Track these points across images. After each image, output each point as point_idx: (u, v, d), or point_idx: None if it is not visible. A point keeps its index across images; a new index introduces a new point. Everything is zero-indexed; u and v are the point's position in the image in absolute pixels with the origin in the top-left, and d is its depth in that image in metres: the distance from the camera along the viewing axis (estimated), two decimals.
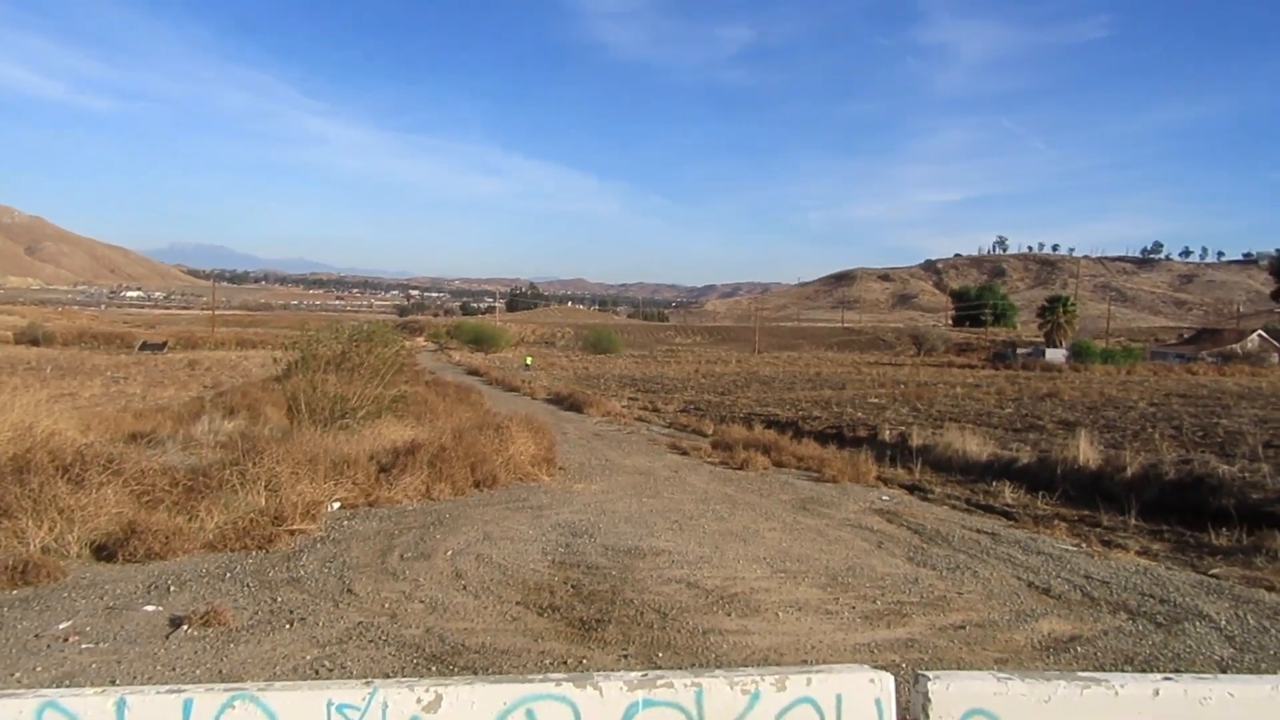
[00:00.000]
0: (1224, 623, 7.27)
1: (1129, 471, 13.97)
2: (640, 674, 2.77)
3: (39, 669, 5.68)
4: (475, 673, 5.73)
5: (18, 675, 5.56)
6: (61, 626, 6.47)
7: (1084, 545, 10.25)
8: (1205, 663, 6.38)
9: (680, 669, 4.13)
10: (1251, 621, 7.32)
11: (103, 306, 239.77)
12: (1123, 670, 6.06)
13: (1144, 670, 6.02)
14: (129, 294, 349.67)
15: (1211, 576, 8.88)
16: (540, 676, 2.75)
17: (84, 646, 6.10)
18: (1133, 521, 11.63)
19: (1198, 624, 7.22)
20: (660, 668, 5.49)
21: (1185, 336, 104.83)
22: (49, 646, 6.07)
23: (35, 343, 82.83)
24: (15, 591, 7.29)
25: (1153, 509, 12.31)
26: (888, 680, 2.86)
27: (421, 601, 7.36)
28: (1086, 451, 15.47)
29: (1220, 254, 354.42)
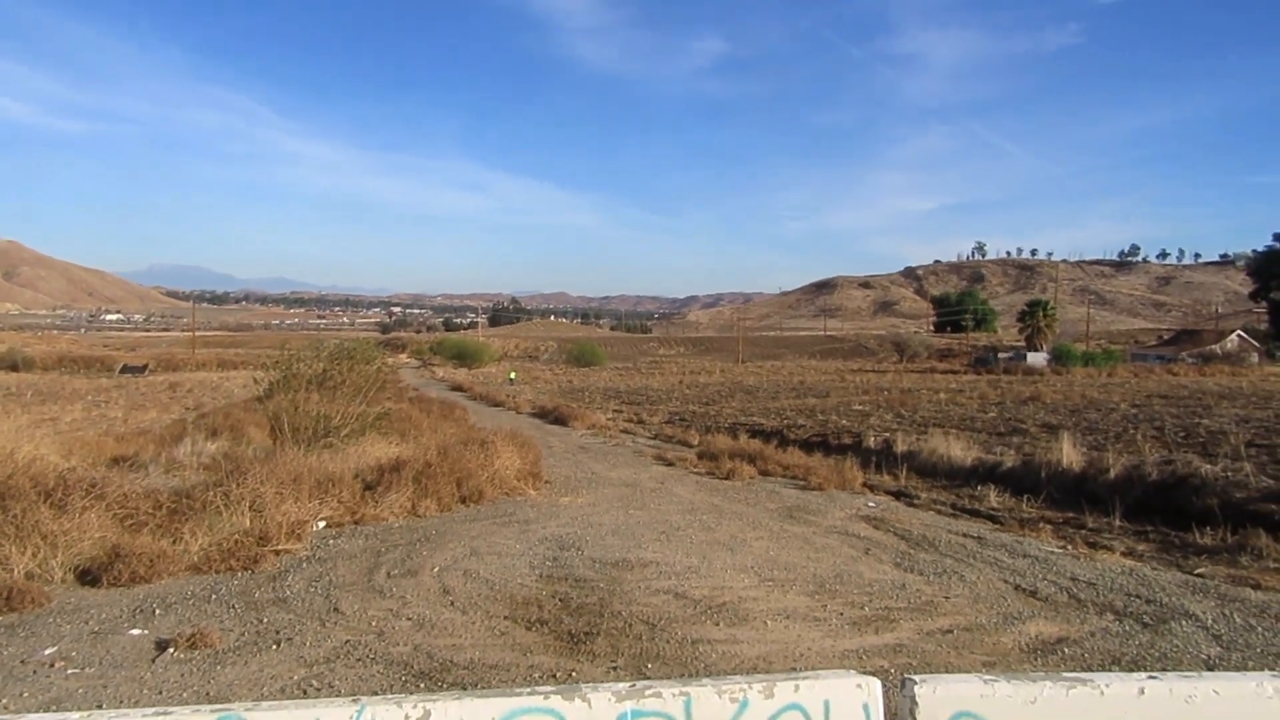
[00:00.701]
0: (1210, 621, 7.32)
1: (1112, 473, 14.04)
2: (628, 685, 2.77)
3: (25, 695, 5.62)
4: (464, 688, 5.71)
5: (4, 702, 5.50)
6: (47, 652, 6.40)
7: (1069, 547, 10.30)
8: (1192, 661, 6.42)
9: (668, 679, 4.13)
10: (1238, 620, 7.37)
11: (82, 330, 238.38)
12: (1110, 670, 6.08)
13: (1131, 670, 6.05)
14: (108, 317, 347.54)
15: (1197, 576, 8.93)
16: (528, 690, 2.74)
17: (70, 672, 6.03)
18: (1117, 523, 11.70)
19: (1184, 623, 7.27)
20: (649, 679, 5.48)
21: (1165, 338, 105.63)
22: (34, 672, 6.01)
23: (15, 368, 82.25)
24: (0, 618, 7.22)
25: (1137, 510, 12.37)
26: (875, 685, 2.86)
27: (409, 619, 7.33)
28: (1070, 454, 15.54)
29: (1197, 255, 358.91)
